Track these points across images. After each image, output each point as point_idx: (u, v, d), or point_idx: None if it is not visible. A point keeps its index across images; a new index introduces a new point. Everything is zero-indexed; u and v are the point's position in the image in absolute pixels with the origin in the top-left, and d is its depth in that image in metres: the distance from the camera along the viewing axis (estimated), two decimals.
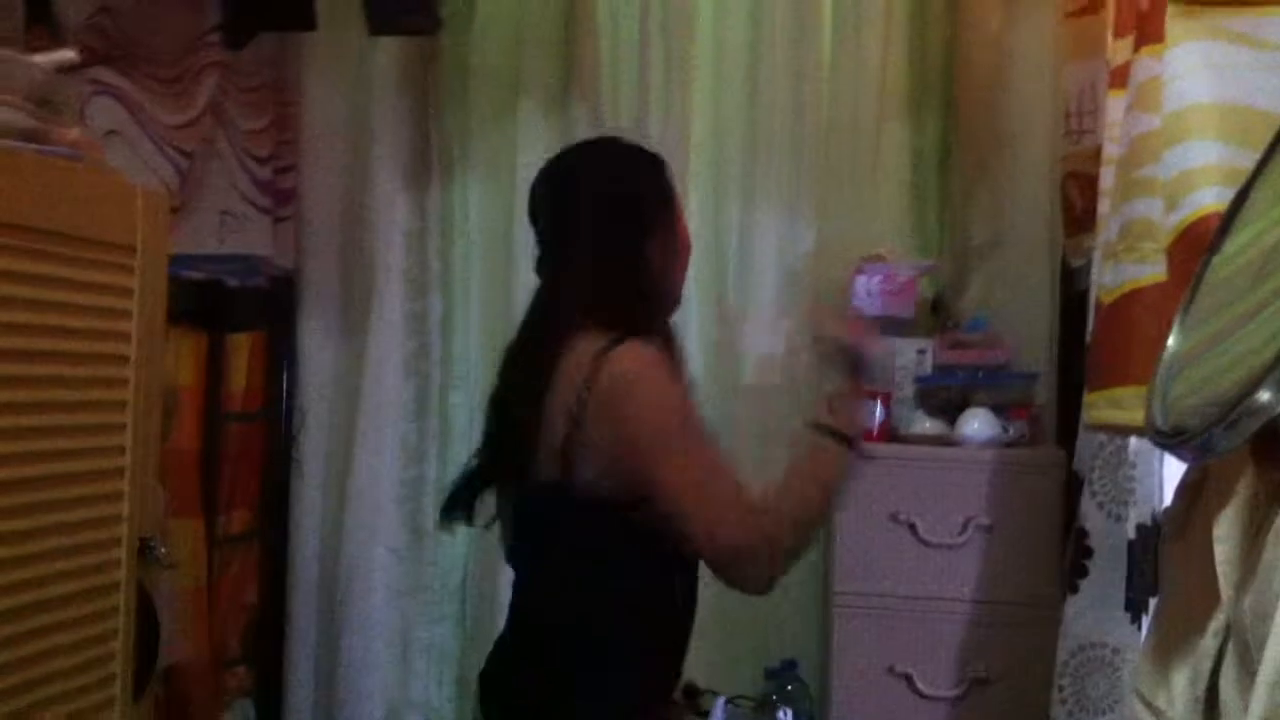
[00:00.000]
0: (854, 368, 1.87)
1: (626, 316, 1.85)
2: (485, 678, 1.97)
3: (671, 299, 2.02)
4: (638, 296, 1.91)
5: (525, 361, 1.89)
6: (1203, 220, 1.37)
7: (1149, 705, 1.62)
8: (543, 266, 1.98)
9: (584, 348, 1.80)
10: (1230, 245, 1.11)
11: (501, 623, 2.07)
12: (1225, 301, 1.04)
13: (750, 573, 1.74)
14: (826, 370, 1.86)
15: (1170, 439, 0.98)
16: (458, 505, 1.99)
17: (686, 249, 2.04)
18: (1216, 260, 1.11)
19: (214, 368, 2.99)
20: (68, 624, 1.80)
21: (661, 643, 1.91)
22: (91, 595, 1.86)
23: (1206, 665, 1.48)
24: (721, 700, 2.89)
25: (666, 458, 1.73)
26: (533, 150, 3.20)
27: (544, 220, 1.98)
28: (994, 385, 2.87)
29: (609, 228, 1.92)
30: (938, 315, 3.12)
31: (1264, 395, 0.79)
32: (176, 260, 2.29)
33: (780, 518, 1.74)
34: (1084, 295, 2.54)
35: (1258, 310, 0.91)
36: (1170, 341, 1.07)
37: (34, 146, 1.69)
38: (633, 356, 1.78)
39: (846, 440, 1.80)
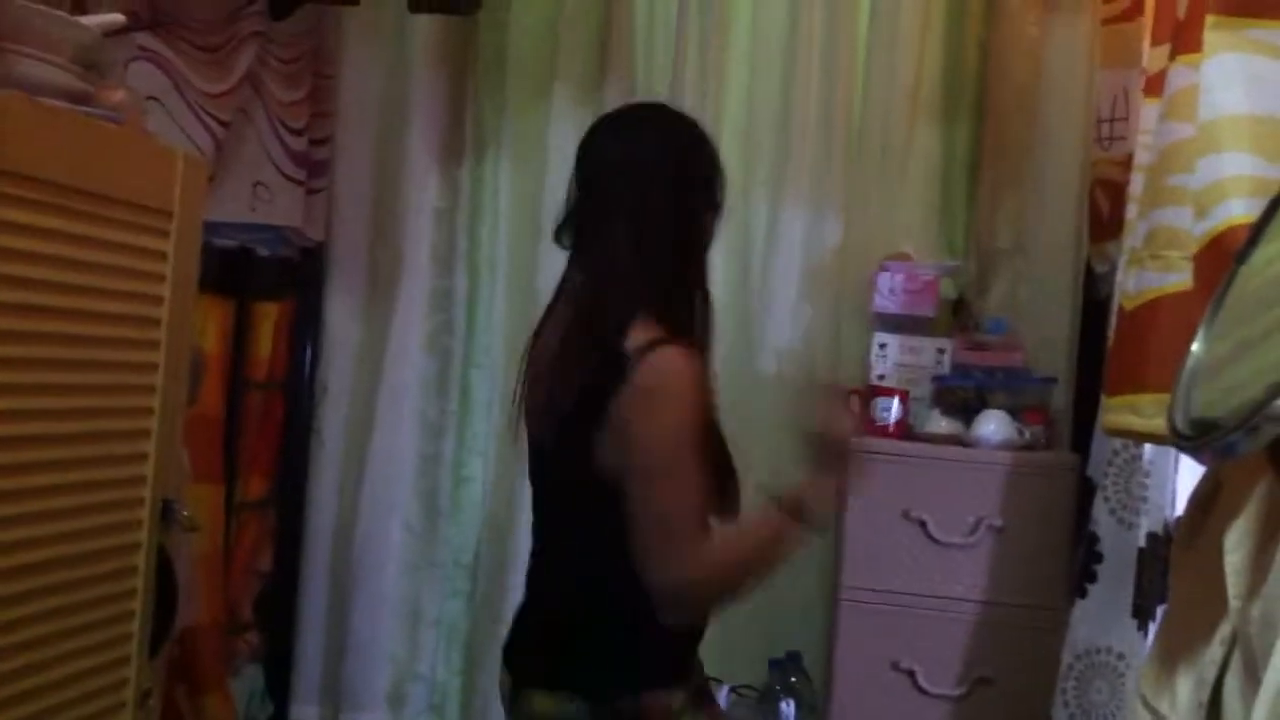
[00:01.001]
0: (829, 460, 1.80)
1: (676, 301, 1.82)
2: (506, 649, 1.96)
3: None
4: (687, 275, 1.85)
5: (584, 341, 1.80)
6: (1231, 231, 1.38)
7: (1152, 710, 1.63)
8: (586, 230, 1.86)
9: (637, 335, 1.75)
10: (1259, 256, 1.12)
11: (513, 600, 2.09)
12: (1252, 312, 1.05)
13: (672, 611, 1.76)
14: (806, 454, 1.80)
15: (1191, 442, 0.99)
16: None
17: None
18: (1244, 270, 1.12)
19: (239, 336, 3.01)
20: (88, 581, 1.82)
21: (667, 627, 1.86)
22: (113, 554, 1.89)
23: (1211, 673, 1.49)
24: (725, 689, 2.92)
25: (649, 477, 1.73)
26: (564, 133, 3.22)
27: (597, 181, 1.86)
28: (1011, 388, 2.89)
29: (673, 199, 1.83)
30: (959, 316, 3.13)
31: None
32: (207, 227, 2.30)
33: (717, 576, 1.77)
34: (1106, 302, 2.55)
35: None
36: (1194, 347, 1.08)
37: (79, 108, 1.71)
38: (670, 362, 1.73)
39: (802, 517, 1.77)
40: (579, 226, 1.87)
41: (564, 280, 1.92)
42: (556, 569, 1.92)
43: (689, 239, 1.86)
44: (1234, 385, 1.04)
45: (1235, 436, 0.85)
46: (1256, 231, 1.14)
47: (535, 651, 1.88)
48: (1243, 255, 1.13)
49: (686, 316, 1.84)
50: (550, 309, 1.94)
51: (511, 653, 1.93)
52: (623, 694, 1.79)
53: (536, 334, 1.95)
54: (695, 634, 1.92)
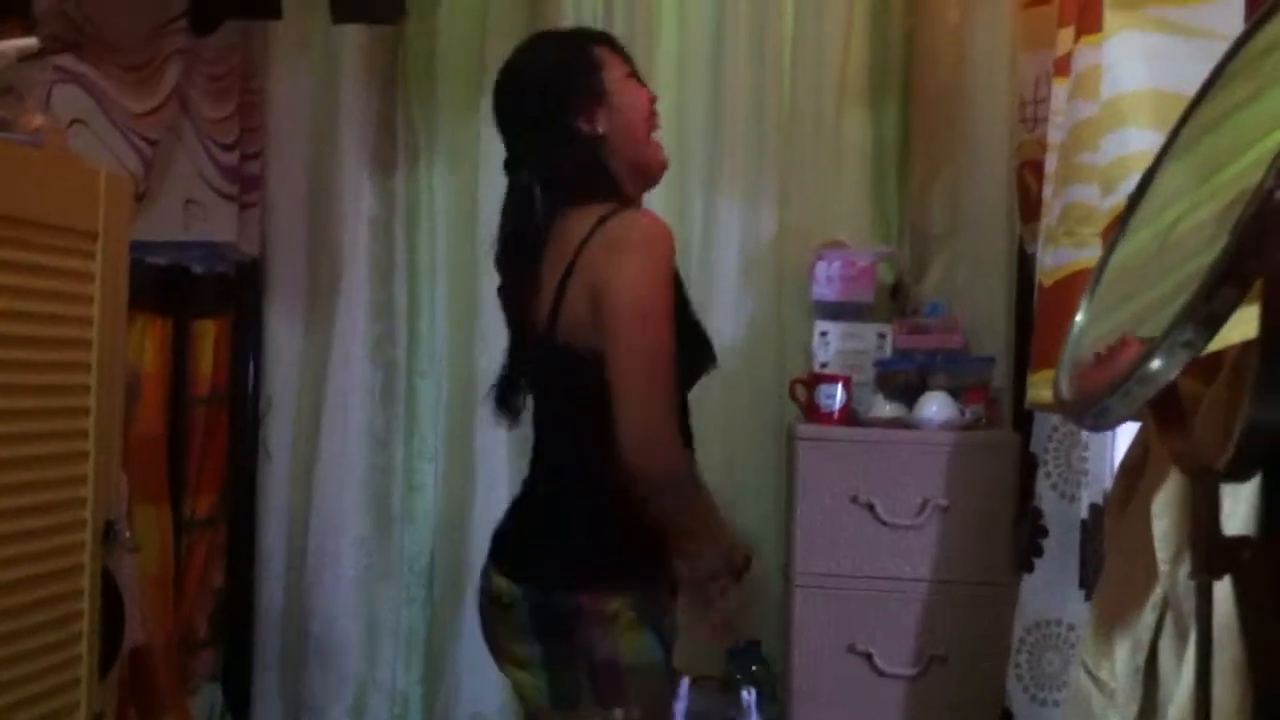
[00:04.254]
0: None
1: (599, 188, 1.93)
2: (503, 535, 2.03)
3: (641, 166, 2.02)
4: (593, 169, 1.95)
5: (518, 240, 1.97)
6: None
7: (1093, 676, 1.67)
8: (508, 166, 2.06)
9: (577, 218, 1.89)
10: (1129, 244, 1.14)
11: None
12: (1127, 297, 1.08)
13: (652, 467, 1.79)
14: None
15: (1072, 409, 1.02)
16: (503, 403, 2.06)
17: (635, 112, 2.01)
18: (1114, 259, 1.14)
19: (179, 353, 3.00)
20: (32, 606, 1.82)
21: None
22: (56, 578, 1.88)
23: (1146, 636, 1.52)
24: (686, 680, 2.92)
25: (630, 334, 1.79)
26: (497, 137, 3.21)
27: (499, 123, 2.07)
28: (951, 369, 2.91)
29: (540, 115, 1.99)
30: (897, 300, 3.15)
31: (1155, 364, 0.82)
32: (141, 246, 2.30)
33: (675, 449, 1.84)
34: None
35: (1158, 307, 0.94)
36: (1078, 317, 1.11)
37: None
38: (633, 222, 1.87)
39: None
40: (506, 164, 2.09)
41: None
42: (552, 453, 2.01)
43: (578, 141, 1.96)
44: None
45: (1110, 401, 0.87)
46: (1124, 220, 1.17)
47: (537, 535, 1.97)
48: (1113, 244, 1.15)
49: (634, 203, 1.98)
50: None
51: (509, 539, 2.02)
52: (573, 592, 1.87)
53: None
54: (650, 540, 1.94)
